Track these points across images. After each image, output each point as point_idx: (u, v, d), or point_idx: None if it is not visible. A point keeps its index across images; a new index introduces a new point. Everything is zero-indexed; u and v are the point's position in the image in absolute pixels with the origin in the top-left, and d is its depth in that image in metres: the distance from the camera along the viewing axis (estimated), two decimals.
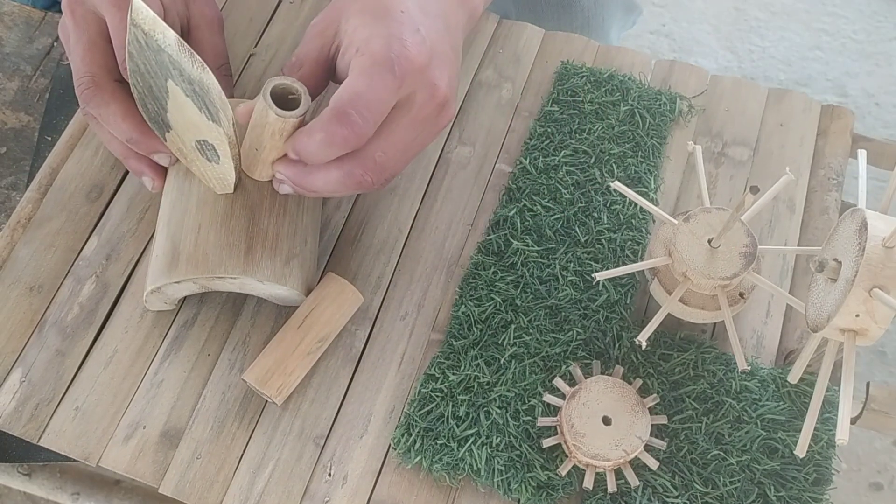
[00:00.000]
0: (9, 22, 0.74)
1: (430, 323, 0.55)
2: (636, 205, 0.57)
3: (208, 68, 0.42)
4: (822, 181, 0.60)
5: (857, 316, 0.39)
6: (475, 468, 0.49)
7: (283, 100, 0.47)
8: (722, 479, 0.49)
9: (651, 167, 0.59)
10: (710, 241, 0.49)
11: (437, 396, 0.52)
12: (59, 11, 0.83)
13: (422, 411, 0.51)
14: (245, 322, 0.55)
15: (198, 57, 0.41)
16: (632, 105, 0.61)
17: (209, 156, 0.47)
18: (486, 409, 0.51)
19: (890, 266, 0.39)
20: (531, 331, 0.53)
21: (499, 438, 0.50)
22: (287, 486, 0.50)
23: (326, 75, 0.51)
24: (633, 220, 0.57)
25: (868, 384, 0.52)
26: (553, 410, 0.51)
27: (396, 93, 0.46)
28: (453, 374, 0.52)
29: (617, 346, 0.53)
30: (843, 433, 0.38)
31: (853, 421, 0.51)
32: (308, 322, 0.51)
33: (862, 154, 0.47)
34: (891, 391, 0.51)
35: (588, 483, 0.48)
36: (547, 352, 0.53)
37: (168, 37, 0.40)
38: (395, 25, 0.46)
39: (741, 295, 0.51)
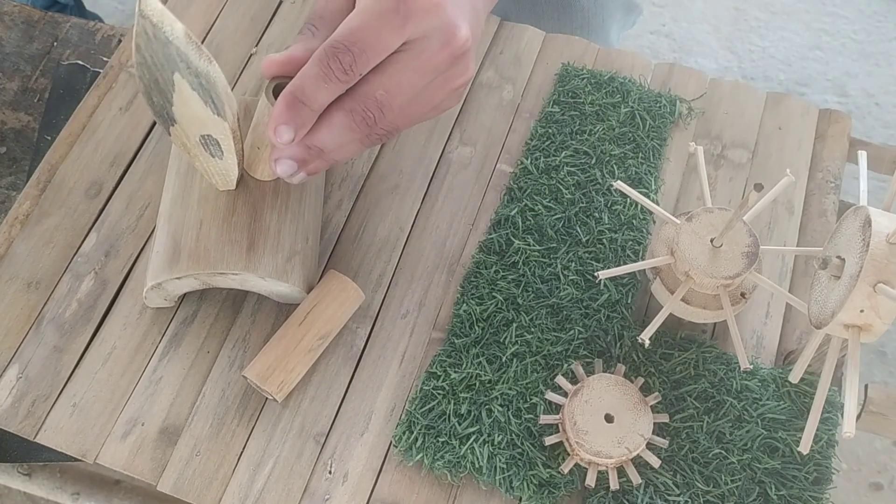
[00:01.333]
0: (9, 22, 0.73)
1: (432, 321, 0.55)
2: (637, 205, 0.58)
3: (214, 62, 0.42)
4: (820, 184, 0.60)
5: (862, 311, 0.40)
6: (477, 466, 0.49)
7: None
8: (723, 477, 0.49)
9: (651, 168, 0.59)
10: (712, 241, 0.49)
11: (439, 394, 0.51)
12: (59, 11, 0.83)
13: (423, 409, 0.51)
14: (245, 319, 0.54)
15: (205, 49, 0.41)
16: (632, 107, 0.61)
17: (213, 151, 0.47)
18: (487, 406, 0.51)
19: (894, 261, 0.39)
20: (533, 329, 0.53)
21: (500, 436, 0.50)
22: (287, 483, 0.50)
23: None
24: (633, 221, 0.57)
25: (866, 386, 0.52)
26: (555, 408, 0.51)
27: (400, 30, 0.44)
28: (455, 371, 0.52)
29: (618, 345, 0.53)
30: (849, 426, 0.38)
31: None
32: (309, 319, 0.51)
33: (862, 155, 0.48)
34: (889, 393, 0.51)
35: (590, 481, 0.48)
36: (548, 350, 0.53)
37: (176, 29, 0.40)
38: None
39: (742, 295, 0.51)
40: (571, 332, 0.53)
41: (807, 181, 0.60)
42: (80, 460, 0.50)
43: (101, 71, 0.72)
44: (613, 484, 0.48)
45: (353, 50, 0.43)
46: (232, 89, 0.63)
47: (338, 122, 0.46)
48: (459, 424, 0.50)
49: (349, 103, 0.46)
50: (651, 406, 0.50)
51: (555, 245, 0.56)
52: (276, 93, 0.47)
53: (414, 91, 0.47)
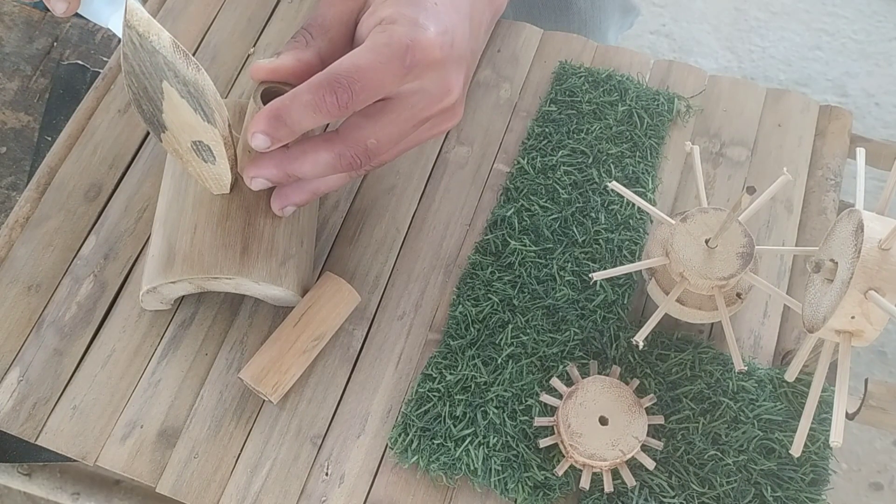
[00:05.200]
0: (9, 22, 0.74)
1: (428, 323, 0.55)
2: (634, 205, 0.57)
3: (203, 69, 0.42)
4: (820, 181, 0.60)
5: (853, 318, 0.39)
6: (472, 468, 0.49)
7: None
8: (719, 479, 0.49)
9: (649, 167, 0.59)
10: (707, 242, 0.49)
11: (435, 396, 0.52)
12: None
13: (419, 411, 0.51)
14: (243, 322, 0.55)
15: (193, 58, 0.41)
16: (630, 105, 0.61)
17: (205, 156, 0.47)
18: (483, 408, 0.51)
19: (886, 268, 0.38)
20: (528, 331, 0.53)
21: (496, 438, 0.50)
22: (284, 485, 0.50)
23: (351, 39, 0.50)
24: (630, 221, 0.57)
25: (866, 380, 0.51)
26: (550, 410, 0.51)
27: (401, 79, 0.45)
28: (450, 373, 0.52)
29: (614, 346, 0.53)
30: (836, 435, 0.37)
31: (852, 417, 0.50)
32: (304, 321, 0.51)
33: (860, 152, 0.47)
34: (889, 388, 0.51)
35: (584, 483, 0.48)
36: (544, 352, 0.53)
37: (163, 38, 0.40)
38: (424, 14, 0.46)
39: (738, 295, 0.51)
40: (567, 333, 0.53)
41: (806, 179, 0.60)
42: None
43: (100, 71, 0.73)
44: (608, 486, 0.48)
45: (354, 88, 0.44)
46: (229, 90, 0.63)
47: (323, 160, 0.47)
48: (455, 426, 0.51)
49: (338, 146, 0.46)
50: (646, 408, 0.50)
51: (551, 246, 0.56)
52: (265, 97, 0.47)
53: (403, 137, 0.48)
